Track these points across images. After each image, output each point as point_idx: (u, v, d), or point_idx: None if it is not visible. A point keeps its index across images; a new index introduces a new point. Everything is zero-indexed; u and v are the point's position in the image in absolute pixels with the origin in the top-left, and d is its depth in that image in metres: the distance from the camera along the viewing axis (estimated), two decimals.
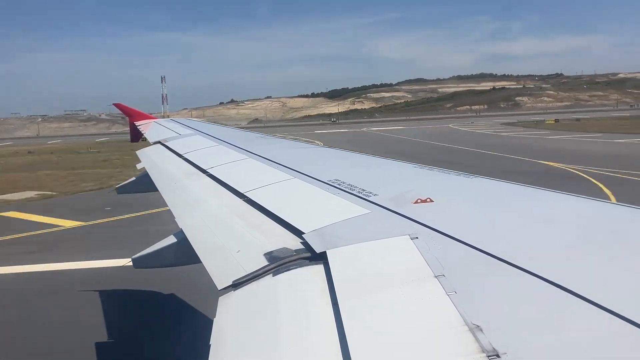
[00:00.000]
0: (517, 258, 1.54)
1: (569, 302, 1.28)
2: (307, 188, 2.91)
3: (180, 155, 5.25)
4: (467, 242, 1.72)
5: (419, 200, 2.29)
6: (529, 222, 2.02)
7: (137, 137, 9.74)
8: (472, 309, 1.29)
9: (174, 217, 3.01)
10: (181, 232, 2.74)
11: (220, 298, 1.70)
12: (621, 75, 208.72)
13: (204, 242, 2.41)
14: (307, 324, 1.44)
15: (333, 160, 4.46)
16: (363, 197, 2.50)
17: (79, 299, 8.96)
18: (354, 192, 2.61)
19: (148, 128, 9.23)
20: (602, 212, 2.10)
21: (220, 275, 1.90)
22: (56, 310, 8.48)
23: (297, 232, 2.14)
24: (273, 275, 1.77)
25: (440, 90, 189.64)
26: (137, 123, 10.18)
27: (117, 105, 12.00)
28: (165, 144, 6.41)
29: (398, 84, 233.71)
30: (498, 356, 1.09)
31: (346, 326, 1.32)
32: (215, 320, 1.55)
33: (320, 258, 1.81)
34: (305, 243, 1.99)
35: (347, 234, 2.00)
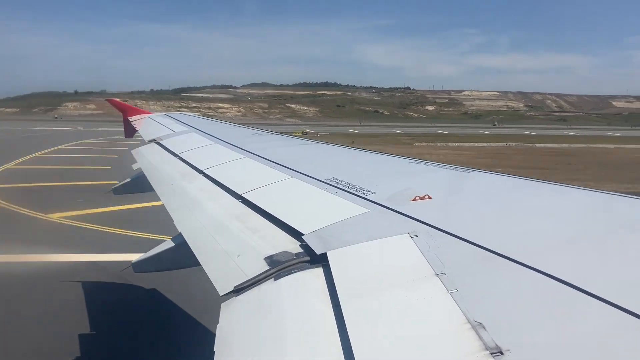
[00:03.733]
0: (519, 253, 1.54)
1: (571, 297, 1.28)
2: (305, 188, 2.90)
3: (176, 155, 5.22)
4: (467, 238, 1.72)
5: (417, 198, 2.28)
6: (530, 216, 2.01)
7: (131, 132, 9.64)
8: (474, 306, 1.29)
9: (173, 221, 3.00)
10: (180, 235, 2.74)
11: (222, 304, 1.69)
12: (466, 93, 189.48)
13: (203, 246, 2.39)
14: (311, 328, 1.44)
15: (330, 157, 4.45)
16: (361, 195, 2.49)
17: (67, 300, 8.69)
18: (352, 191, 2.60)
19: (142, 124, 9.12)
20: (605, 205, 2.09)
21: (222, 280, 1.89)
22: (38, 307, 8.11)
23: (297, 234, 2.13)
24: (274, 280, 1.76)
25: (280, 94, 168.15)
26: (130, 118, 10.06)
27: (110, 101, 11.73)
28: (161, 142, 6.36)
29: (243, 86, 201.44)
30: (501, 353, 1.09)
31: (349, 328, 1.33)
32: (218, 326, 1.55)
33: (321, 260, 1.80)
34: (305, 245, 1.99)
35: (346, 234, 1.99)
